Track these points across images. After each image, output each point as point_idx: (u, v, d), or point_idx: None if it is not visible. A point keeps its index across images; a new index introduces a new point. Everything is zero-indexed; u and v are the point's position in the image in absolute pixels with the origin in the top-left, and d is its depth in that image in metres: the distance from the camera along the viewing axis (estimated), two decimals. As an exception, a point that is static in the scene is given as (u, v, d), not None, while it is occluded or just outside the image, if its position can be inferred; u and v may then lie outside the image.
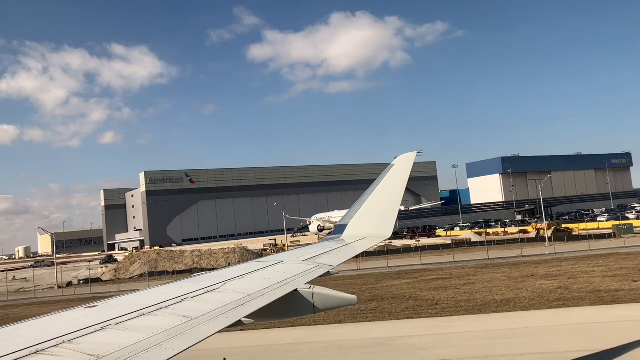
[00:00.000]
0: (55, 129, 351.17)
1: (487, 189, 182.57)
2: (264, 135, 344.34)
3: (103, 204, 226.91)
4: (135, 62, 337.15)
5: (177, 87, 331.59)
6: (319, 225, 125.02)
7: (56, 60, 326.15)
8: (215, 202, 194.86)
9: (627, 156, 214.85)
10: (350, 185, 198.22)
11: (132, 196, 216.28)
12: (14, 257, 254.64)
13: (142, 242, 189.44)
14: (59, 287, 64.80)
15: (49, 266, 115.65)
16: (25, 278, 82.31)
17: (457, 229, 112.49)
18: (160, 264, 72.79)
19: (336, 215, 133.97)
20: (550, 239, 65.64)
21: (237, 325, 4.87)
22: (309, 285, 6.26)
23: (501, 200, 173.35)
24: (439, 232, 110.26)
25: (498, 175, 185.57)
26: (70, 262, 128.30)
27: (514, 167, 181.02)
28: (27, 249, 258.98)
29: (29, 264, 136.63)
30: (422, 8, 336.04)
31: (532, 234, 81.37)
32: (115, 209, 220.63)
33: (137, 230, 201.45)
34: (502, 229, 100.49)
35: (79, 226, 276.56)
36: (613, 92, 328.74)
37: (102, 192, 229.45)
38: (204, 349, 19.94)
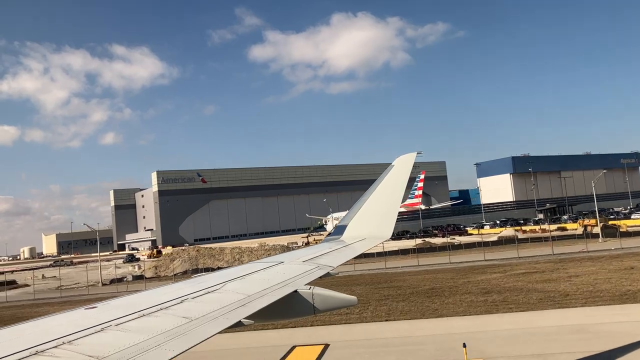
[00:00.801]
0: (56, 129, 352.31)
1: (497, 189, 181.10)
2: (264, 136, 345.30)
3: (113, 203, 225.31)
4: (136, 62, 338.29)
5: (178, 87, 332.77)
6: (335, 224, 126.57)
7: (57, 61, 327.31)
8: (227, 202, 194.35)
9: (636, 156, 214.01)
10: (361, 185, 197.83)
11: (142, 196, 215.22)
12: (18, 257, 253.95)
13: (153, 242, 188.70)
14: (104, 284, 65.72)
15: (68, 265, 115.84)
16: (55, 276, 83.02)
17: (487, 227, 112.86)
18: (201, 261, 73.73)
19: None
20: (601, 235, 66.16)
21: (238, 326, 4.87)
22: (309, 286, 6.25)
23: (512, 199, 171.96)
24: (471, 230, 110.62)
25: (508, 174, 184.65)
26: (88, 262, 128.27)
27: (524, 167, 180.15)
28: (32, 250, 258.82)
29: (48, 263, 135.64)
30: (423, 9, 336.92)
31: (579, 230, 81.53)
32: (125, 209, 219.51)
33: (148, 230, 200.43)
34: (538, 227, 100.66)
35: (79, 227, 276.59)
36: (619, 93, 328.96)
37: (111, 192, 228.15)
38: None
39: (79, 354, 3.58)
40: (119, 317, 4.51)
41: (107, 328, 4.19)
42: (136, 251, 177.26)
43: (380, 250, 63.89)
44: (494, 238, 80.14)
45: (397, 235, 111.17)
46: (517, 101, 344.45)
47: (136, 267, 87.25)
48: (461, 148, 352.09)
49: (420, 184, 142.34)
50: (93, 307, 5.03)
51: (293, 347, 20.36)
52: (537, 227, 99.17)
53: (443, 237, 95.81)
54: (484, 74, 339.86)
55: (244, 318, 4.93)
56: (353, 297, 6.60)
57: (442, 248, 67.82)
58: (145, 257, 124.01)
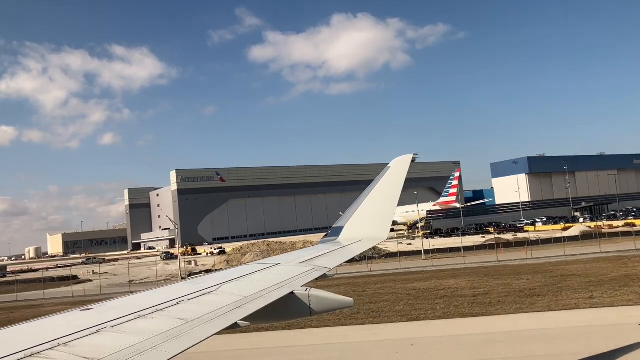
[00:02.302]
0: (54, 130, 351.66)
1: (512, 189, 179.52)
2: (263, 136, 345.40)
3: (127, 202, 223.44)
4: (136, 63, 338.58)
5: (177, 88, 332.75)
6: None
7: (56, 61, 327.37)
8: (245, 201, 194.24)
9: None
10: None
11: (158, 195, 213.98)
12: (23, 257, 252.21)
13: (172, 241, 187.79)
14: (183, 278, 65.84)
15: (101, 263, 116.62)
16: (107, 272, 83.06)
17: (539, 224, 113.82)
18: (273, 255, 72.39)
19: None
20: None
21: (234, 328, 4.87)
22: (305, 288, 6.26)
23: (527, 200, 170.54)
24: (527, 227, 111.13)
25: (524, 175, 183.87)
26: (118, 259, 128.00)
27: (539, 167, 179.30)
28: (37, 250, 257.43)
29: (80, 260, 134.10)
30: (424, 10, 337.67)
31: None
32: (139, 208, 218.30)
33: (165, 229, 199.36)
34: (603, 222, 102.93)
35: (77, 227, 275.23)
36: (619, 93, 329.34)
37: (126, 191, 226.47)
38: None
39: (75, 355, 3.57)
40: (115, 318, 4.50)
41: (103, 330, 4.19)
42: (153, 250, 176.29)
43: (487, 244, 66.59)
44: (559, 234, 79.51)
45: (446, 232, 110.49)
46: (518, 102, 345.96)
47: (192, 263, 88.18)
48: (462, 149, 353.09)
49: (455, 182, 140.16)
50: (89, 309, 5.02)
51: None
52: (603, 223, 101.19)
53: (499, 234, 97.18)
54: (485, 75, 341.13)
55: (240, 320, 4.94)
56: (350, 299, 6.59)
57: (519, 244, 67.51)
58: (179, 254, 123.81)
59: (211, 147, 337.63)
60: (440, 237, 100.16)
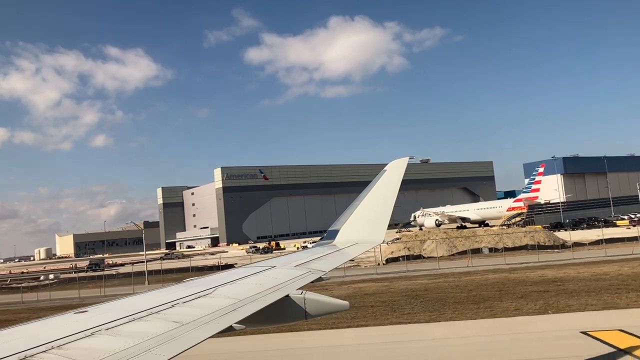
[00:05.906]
0: (46, 131, 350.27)
1: (546, 189, 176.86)
2: (259, 138, 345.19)
3: (161, 201, 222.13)
4: (130, 64, 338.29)
5: (171, 89, 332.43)
6: (436, 220, 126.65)
7: (49, 62, 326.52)
8: (287, 199, 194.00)
9: None
10: (416, 183, 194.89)
11: (193, 194, 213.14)
12: (32, 258, 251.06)
13: (214, 240, 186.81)
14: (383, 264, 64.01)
15: (179, 258, 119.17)
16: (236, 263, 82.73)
17: None
18: (457, 242, 69.12)
19: (449, 210, 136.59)
20: None
21: (229, 331, 4.85)
22: (300, 291, 6.25)
23: (562, 200, 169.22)
24: None
25: (559, 175, 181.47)
26: (191, 255, 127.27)
27: (573, 168, 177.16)
28: (48, 251, 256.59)
29: (159, 256, 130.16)
30: (421, 13, 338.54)
31: None
32: (172, 207, 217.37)
33: (203, 227, 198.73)
34: None
35: (67, 230, 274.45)
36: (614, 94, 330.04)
37: (159, 190, 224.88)
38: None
39: (68, 358, 3.56)
40: (110, 321, 4.49)
41: (98, 332, 4.18)
42: (192, 249, 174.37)
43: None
44: None
45: (570, 226, 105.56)
46: (517, 103, 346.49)
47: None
48: (462, 150, 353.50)
49: (539, 178, 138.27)
50: (84, 311, 5.01)
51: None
52: None
53: (629, 227, 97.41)
54: (481, 78, 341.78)
55: (236, 323, 4.93)
56: (345, 302, 6.58)
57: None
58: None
59: (206, 148, 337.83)
60: (566, 230, 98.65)
